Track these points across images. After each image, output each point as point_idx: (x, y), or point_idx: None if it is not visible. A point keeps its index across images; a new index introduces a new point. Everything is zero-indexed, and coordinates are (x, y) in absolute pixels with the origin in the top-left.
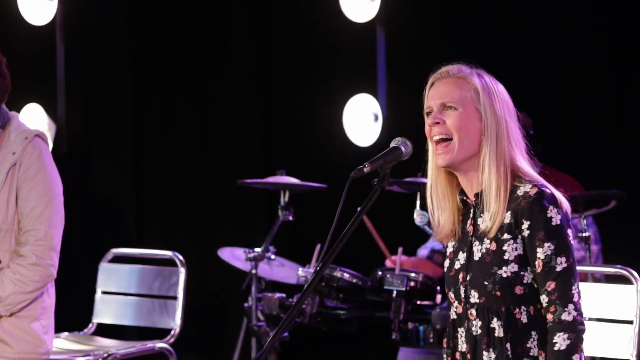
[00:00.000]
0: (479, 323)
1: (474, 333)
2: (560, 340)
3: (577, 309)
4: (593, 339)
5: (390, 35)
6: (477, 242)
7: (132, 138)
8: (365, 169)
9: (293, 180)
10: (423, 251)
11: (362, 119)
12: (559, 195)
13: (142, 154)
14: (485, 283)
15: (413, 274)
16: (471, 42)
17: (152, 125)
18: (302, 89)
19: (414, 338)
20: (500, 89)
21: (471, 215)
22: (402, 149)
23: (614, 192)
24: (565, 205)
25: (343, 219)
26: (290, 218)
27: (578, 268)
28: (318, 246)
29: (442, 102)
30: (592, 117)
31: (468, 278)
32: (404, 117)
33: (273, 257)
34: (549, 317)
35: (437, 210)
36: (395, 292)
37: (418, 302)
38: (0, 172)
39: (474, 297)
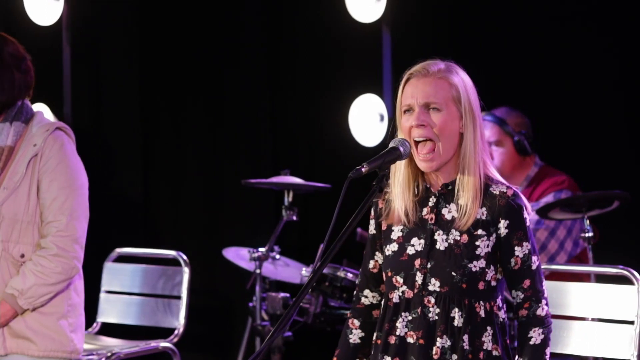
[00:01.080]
0: (437, 310)
1: (431, 319)
2: (536, 335)
3: (547, 304)
4: (594, 340)
5: (396, 36)
6: (440, 232)
7: (140, 137)
8: (363, 170)
9: (297, 180)
10: None
11: (367, 119)
12: (524, 197)
13: (149, 153)
14: (453, 274)
15: None
16: (477, 42)
17: (159, 124)
18: (308, 89)
19: None
20: (472, 85)
21: (431, 203)
22: (401, 149)
23: (617, 192)
24: (529, 207)
25: (343, 219)
26: (294, 218)
27: (580, 268)
28: (321, 246)
29: (426, 102)
30: (595, 117)
31: (429, 266)
32: None
33: (278, 256)
34: (523, 312)
35: (396, 195)
36: None
37: None
38: (21, 164)
39: (434, 285)
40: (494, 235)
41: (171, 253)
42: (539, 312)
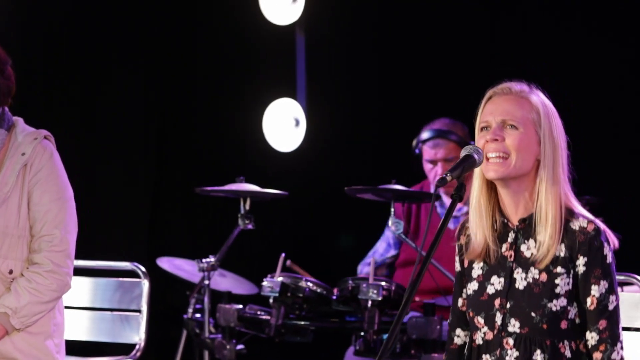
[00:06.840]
0: (516, 353)
1: None
2: None
3: (622, 347)
4: None
5: (311, 39)
6: (519, 270)
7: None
8: (448, 178)
9: (253, 187)
10: (366, 268)
11: (283, 124)
12: (608, 231)
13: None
14: (533, 314)
15: (384, 283)
16: (395, 47)
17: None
18: (221, 92)
19: (379, 348)
20: (555, 112)
21: (510, 239)
22: (475, 156)
23: (587, 198)
24: (613, 242)
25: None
26: (250, 227)
27: None
28: (282, 255)
29: (503, 119)
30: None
31: (508, 306)
32: (324, 122)
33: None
34: (597, 355)
35: (476, 228)
36: (370, 302)
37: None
38: (11, 174)
39: (514, 326)
40: (572, 272)
41: (127, 265)
42: (614, 355)
